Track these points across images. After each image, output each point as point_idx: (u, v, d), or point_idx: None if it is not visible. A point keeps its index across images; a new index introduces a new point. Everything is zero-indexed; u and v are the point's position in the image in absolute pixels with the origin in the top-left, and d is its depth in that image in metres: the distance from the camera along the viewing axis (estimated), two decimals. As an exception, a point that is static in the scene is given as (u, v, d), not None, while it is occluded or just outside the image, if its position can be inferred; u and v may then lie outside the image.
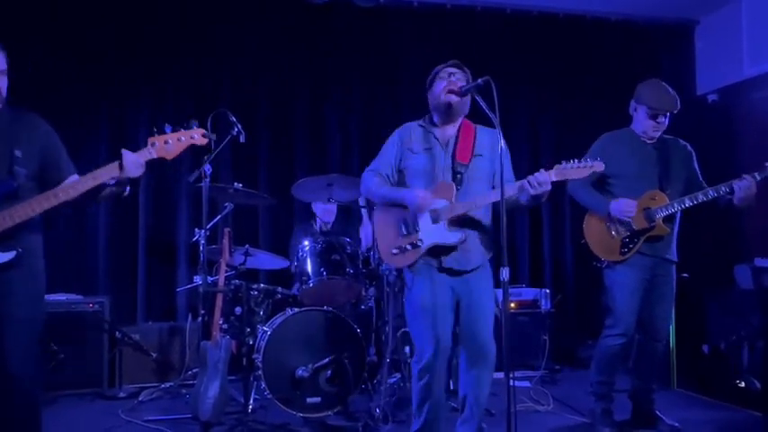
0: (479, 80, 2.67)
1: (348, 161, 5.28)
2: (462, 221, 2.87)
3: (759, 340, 4.17)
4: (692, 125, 4.71)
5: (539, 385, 4.54)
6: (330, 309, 3.83)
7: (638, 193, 3.45)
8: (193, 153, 4.40)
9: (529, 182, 2.65)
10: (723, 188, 3.22)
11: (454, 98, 2.88)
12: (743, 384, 4.17)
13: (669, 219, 3.41)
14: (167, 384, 4.39)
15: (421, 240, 2.83)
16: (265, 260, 4.27)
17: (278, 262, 4.32)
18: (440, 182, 2.89)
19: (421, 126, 3.04)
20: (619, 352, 3.46)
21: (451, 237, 2.81)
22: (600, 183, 3.56)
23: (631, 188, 3.45)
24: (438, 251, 2.85)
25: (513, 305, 5.01)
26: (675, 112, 3.40)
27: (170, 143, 2.47)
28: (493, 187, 2.93)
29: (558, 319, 5.25)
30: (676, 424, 3.53)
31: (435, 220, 2.85)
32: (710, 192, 3.27)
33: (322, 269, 3.86)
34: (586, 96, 5.70)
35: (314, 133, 5.36)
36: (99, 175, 2.42)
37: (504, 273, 2.45)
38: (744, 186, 3.16)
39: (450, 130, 3.01)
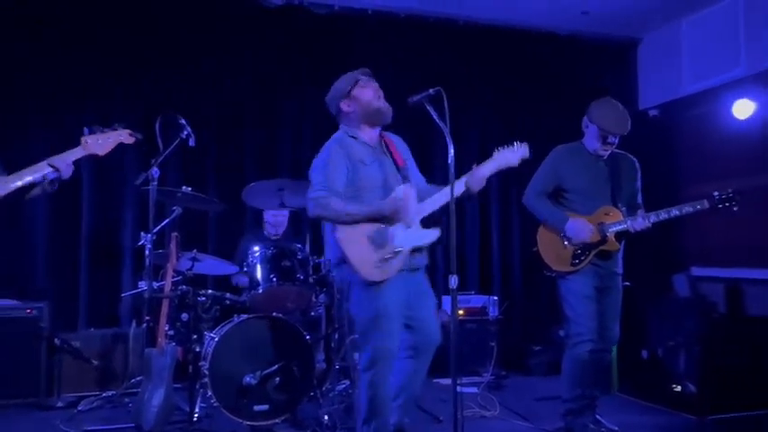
0: (431, 90, 2.65)
1: (299, 166, 5.14)
2: (424, 220, 2.91)
3: (694, 346, 4.27)
4: (633, 138, 4.57)
5: (486, 391, 4.54)
6: (279, 315, 3.78)
7: (591, 209, 3.48)
8: (141, 156, 4.54)
9: (469, 179, 2.78)
10: (686, 208, 3.25)
11: (385, 104, 2.91)
12: (679, 388, 4.26)
13: (620, 235, 3.44)
14: (109, 393, 4.24)
15: (400, 246, 2.80)
16: (214, 266, 4.20)
17: (227, 268, 4.25)
18: (401, 187, 2.85)
19: (352, 138, 2.96)
20: (589, 359, 3.44)
21: (429, 235, 2.86)
22: (556, 196, 3.59)
23: (585, 203, 3.49)
24: (413, 251, 2.86)
25: (461, 312, 5.02)
26: (626, 134, 3.43)
27: (99, 141, 2.66)
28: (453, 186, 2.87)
29: (506, 326, 5.28)
30: (616, 428, 3.57)
31: (408, 225, 2.83)
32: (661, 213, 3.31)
33: (272, 275, 3.81)
34: (535, 109, 5.74)
35: (266, 138, 5.30)
36: (24, 174, 2.50)
37: (453, 280, 2.45)
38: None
39: (376, 137, 3.00)
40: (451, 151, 2.56)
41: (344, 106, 2.96)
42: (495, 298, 5.23)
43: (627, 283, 3.69)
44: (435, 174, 4.96)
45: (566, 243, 3.48)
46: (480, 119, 5.78)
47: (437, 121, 2.59)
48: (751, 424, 3.90)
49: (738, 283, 5.15)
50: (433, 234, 2.89)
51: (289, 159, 5.29)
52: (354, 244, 2.78)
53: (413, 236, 2.86)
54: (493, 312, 5.14)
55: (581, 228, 3.42)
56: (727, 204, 3.22)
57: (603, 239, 3.42)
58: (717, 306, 5.02)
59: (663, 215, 3.30)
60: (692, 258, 5.63)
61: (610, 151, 3.52)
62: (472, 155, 5.50)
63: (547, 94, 5.71)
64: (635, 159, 3.64)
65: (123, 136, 2.70)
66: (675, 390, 4.26)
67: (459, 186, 2.85)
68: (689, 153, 5.67)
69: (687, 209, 3.25)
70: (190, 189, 3.87)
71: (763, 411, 3.96)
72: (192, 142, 3.73)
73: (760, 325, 4.66)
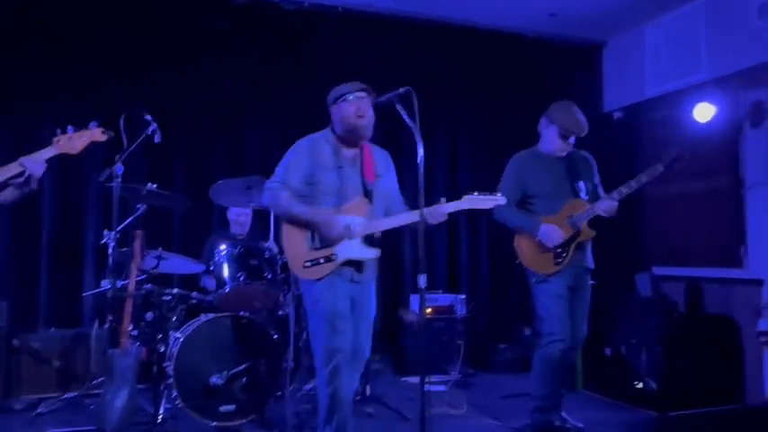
0: (401, 90, 2.66)
1: (268, 165, 4.89)
2: (372, 237, 2.95)
3: (655, 344, 4.32)
4: (598, 140, 4.67)
5: (454, 389, 4.57)
6: (246, 314, 3.75)
7: (557, 209, 3.55)
8: (104, 153, 4.29)
9: (430, 213, 2.76)
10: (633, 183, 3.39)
11: (363, 123, 2.94)
12: (641, 385, 4.32)
13: (592, 223, 3.52)
14: (70, 395, 4.14)
15: (335, 255, 2.86)
16: (180, 264, 4.12)
17: (193, 266, 4.17)
18: (354, 198, 2.93)
19: (327, 142, 3.03)
20: (560, 358, 3.49)
21: (368, 252, 2.90)
22: (522, 203, 3.64)
23: (550, 205, 3.56)
24: (350, 263, 2.90)
25: (429, 311, 5.05)
26: (583, 135, 3.54)
27: (73, 140, 2.69)
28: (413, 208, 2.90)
29: (473, 325, 5.32)
30: (581, 425, 3.62)
31: (350, 236, 2.86)
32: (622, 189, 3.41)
33: (239, 274, 3.77)
34: (504, 109, 5.76)
35: (234, 135, 5.24)
36: None
37: (422, 280, 2.47)
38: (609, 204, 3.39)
39: (355, 148, 3.05)
40: (421, 152, 2.55)
41: (332, 110, 3.05)
42: (463, 296, 5.25)
43: (592, 282, 3.76)
44: (404, 174, 4.82)
45: (544, 247, 3.50)
46: (450, 119, 5.76)
47: (407, 120, 2.59)
48: (711, 420, 3.98)
49: (698, 282, 5.22)
50: (371, 253, 2.92)
51: (257, 158, 5.21)
52: (293, 239, 2.90)
53: (351, 248, 2.89)
54: (460, 311, 5.16)
55: (550, 232, 3.47)
56: (675, 164, 3.36)
57: (578, 231, 3.49)
58: (677, 305, 5.06)
59: (624, 190, 3.40)
60: (654, 258, 5.69)
61: (567, 151, 3.60)
62: (441, 155, 5.67)
63: (516, 96, 5.71)
64: (589, 156, 3.74)
65: (96, 134, 2.74)
66: (637, 387, 4.31)
67: (416, 216, 2.82)
68: (651, 155, 5.57)
69: (644, 178, 3.37)
70: (155, 186, 3.81)
71: (722, 408, 4.05)
72: (157, 139, 3.70)
73: (718, 323, 4.73)
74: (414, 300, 5.12)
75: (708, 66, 4.97)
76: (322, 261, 2.84)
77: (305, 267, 2.86)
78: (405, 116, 2.62)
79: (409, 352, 4.99)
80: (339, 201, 2.93)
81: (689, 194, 5.44)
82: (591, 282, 3.67)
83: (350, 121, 2.95)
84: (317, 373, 2.89)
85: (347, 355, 2.86)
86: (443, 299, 5.22)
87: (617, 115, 5.87)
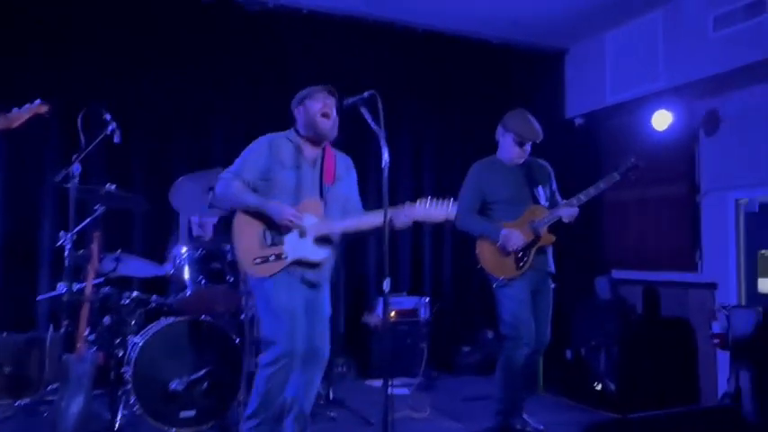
0: (365, 93, 2.65)
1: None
2: (325, 238, 2.94)
3: (614, 346, 4.38)
4: (560, 145, 5.03)
5: (417, 392, 4.54)
6: (207, 318, 3.69)
7: (517, 214, 3.60)
8: (61, 152, 4.33)
9: (399, 219, 2.73)
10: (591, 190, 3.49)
11: (328, 124, 2.96)
12: (600, 387, 4.40)
13: (552, 228, 3.59)
14: (23, 402, 4.02)
15: (286, 253, 2.84)
16: (139, 267, 4.04)
17: (153, 269, 4.09)
18: (310, 198, 2.94)
19: (290, 141, 3.04)
20: (523, 363, 3.53)
21: (319, 253, 2.89)
22: (483, 210, 3.68)
23: (510, 211, 3.61)
24: (300, 263, 2.89)
25: (392, 314, 5.06)
26: (539, 141, 3.61)
27: (12, 114, 2.77)
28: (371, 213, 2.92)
29: (437, 328, 5.31)
30: (541, 427, 3.65)
31: (302, 235, 2.86)
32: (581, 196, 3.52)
33: (200, 277, 3.76)
34: (469, 114, 5.74)
35: (197, 136, 5.13)
36: None
37: (386, 283, 2.47)
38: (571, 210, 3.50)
39: (317, 149, 3.05)
40: (386, 156, 2.53)
41: (296, 112, 3.05)
42: (427, 299, 5.26)
43: (554, 286, 3.78)
44: (369, 178, 4.92)
45: (505, 251, 3.53)
46: (415, 123, 5.73)
47: (372, 124, 2.58)
48: (672, 422, 3.85)
49: (655, 286, 5.28)
50: (321, 253, 2.90)
51: (221, 159, 4.83)
52: (244, 235, 2.89)
53: (302, 247, 2.88)
54: (424, 314, 5.18)
55: (510, 236, 3.51)
56: (631, 173, 3.51)
57: (538, 236, 3.54)
58: (635, 308, 5.10)
59: (582, 197, 3.51)
60: (612, 262, 5.77)
61: (524, 158, 3.66)
62: (406, 159, 5.66)
63: (481, 100, 5.69)
64: (547, 164, 3.81)
65: (36, 108, 2.81)
66: (597, 388, 4.38)
67: (373, 218, 2.83)
68: (610, 161, 5.49)
69: (602, 185, 3.50)
70: (114, 187, 3.72)
71: (680, 409, 4.08)
72: (117, 139, 3.62)
73: (674, 325, 4.82)
74: (378, 303, 5.09)
75: (666, 74, 5.03)
76: (272, 258, 2.82)
77: (254, 264, 2.84)
78: (369, 120, 2.61)
79: (373, 355, 4.98)
80: (294, 200, 2.92)
81: (647, 200, 5.50)
82: (552, 285, 3.70)
83: (315, 119, 2.96)
84: (258, 365, 2.87)
85: (296, 357, 2.85)
86: (407, 302, 5.21)
87: (578, 121, 5.92)
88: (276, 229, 2.88)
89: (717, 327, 4.40)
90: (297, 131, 3.05)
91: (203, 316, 3.71)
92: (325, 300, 3.04)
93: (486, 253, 3.60)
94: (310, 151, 3.02)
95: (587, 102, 5.82)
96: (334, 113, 2.98)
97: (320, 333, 2.96)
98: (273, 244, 2.86)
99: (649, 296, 5.28)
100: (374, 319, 5.04)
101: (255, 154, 2.97)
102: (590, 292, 5.29)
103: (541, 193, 3.68)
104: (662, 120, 5.10)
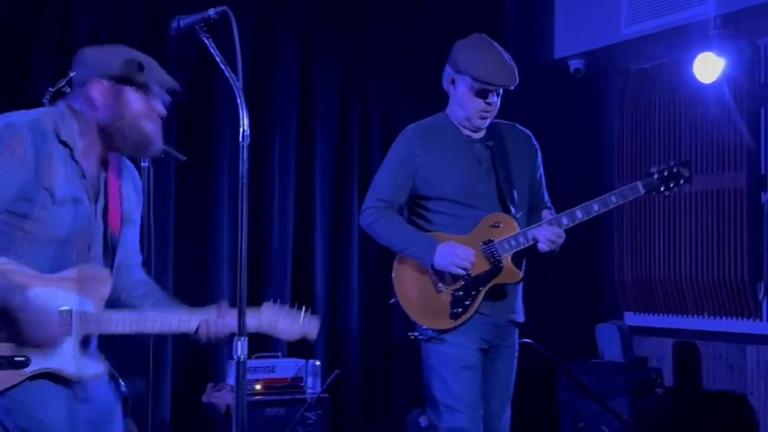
0: (210, 11, 2.42)
1: None
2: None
3: None
4: (543, 104, 5.01)
5: None
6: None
7: (470, 222, 3.37)
8: None
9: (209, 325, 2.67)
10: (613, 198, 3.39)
11: (153, 129, 2.67)
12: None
13: (520, 257, 3.38)
14: None
15: (27, 359, 2.66)
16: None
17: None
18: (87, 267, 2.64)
19: (61, 143, 2.60)
20: None
21: (92, 367, 2.81)
22: (412, 206, 3.45)
23: (460, 214, 3.39)
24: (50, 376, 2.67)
25: (258, 387, 4.85)
26: (513, 88, 3.33)
27: None
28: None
29: (335, 409, 5.03)
30: None
31: (60, 342, 2.68)
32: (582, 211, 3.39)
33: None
34: (391, 53, 5.64)
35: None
36: None
37: (241, 345, 2.32)
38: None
39: (96, 158, 2.71)
40: (245, 121, 2.30)
41: (94, 91, 2.59)
42: (318, 363, 4.98)
43: (527, 341, 3.86)
44: (221, 154, 4.92)
45: (439, 285, 3.34)
46: (302, 68, 5.35)
47: (221, 65, 2.37)
48: None
49: (692, 340, 5.37)
50: (92, 369, 2.79)
51: None
52: None
53: (62, 355, 2.69)
54: (313, 386, 4.92)
55: (453, 250, 3.29)
56: (670, 187, 3.35)
57: (496, 267, 3.34)
58: (661, 374, 5.12)
59: (579, 214, 3.32)
60: (625, 300, 5.68)
61: (489, 120, 3.40)
62: (287, 129, 5.32)
63: (409, 34, 5.52)
64: (530, 134, 3.57)
65: None
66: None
67: (192, 324, 2.72)
68: (626, 135, 5.69)
69: (614, 200, 3.36)
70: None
71: None
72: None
73: (724, 404, 5.09)
74: (230, 369, 4.83)
75: None
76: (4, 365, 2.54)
77: None
78: (218, 57, 2.42)
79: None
80: (59, 255, 2.62)
81: (681, 200, 5.51)
82: (525, 340, 3.69)
83: (139, 122, 2.67)
84: None
85: None
86: (284, 366, 4.98)
87: (575, 65, 5.54)
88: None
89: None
90: (71, 123, 2.73)
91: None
92: (116, 416, 2.82)
93: (407, 280, 3.42)
94: (91, 164, 2.78)
95: (590, 35, 5.41)
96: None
97: None
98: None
99: (684, 356, 5.26)
100: (223, 396, 4.84)
101: (6, 166, 2.59)
102: (587, 348, 5.28)
103: (517, 187, 3.42)
104: (708, 68, 4.86)
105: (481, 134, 3.49)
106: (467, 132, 3.48)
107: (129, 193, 2.88)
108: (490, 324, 3.45)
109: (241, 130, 2.40)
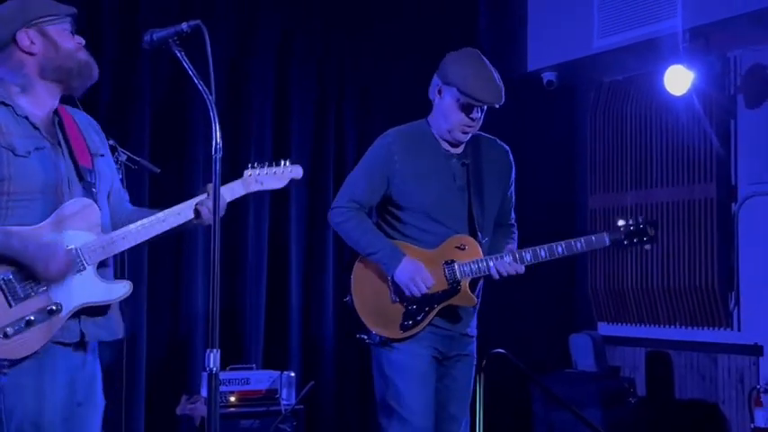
0: (183, 25, 2.46)
1: None
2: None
3: None
4: (517, 115, 4.98)
5: None
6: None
7: (438, 238, 3.41)
8: None
9: (203, 204, 2.79)
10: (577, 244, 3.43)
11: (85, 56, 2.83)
12: None
13: (477, 282, 3.45)
14: None
15: (59, 304, 2.77)
16: None
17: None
18: (78, 202, 2.77)
19: (2, 104, 2.74)
20: None
21: (116, 290, 2.93)
22: (382, 212, 3.47)
23: (427, 228, 3.43)
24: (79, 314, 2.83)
25: (232, 399, 4.86)
26: (497, 106, 3.37)
27: None
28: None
29: (310, 419, 5.08)
30: None
31: (79, 268, 2.74)
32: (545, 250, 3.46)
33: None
34: (375, 63, 5.68)
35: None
36: None
37: (213, 357, 2.33)
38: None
39: (49, 109, 2.86)
40: (217, 134, 2.32)
41: (23, 41, 2.73)
42: (292, 374, 4.96)
43: (501, 351, 3.94)
44: (195, 166, 4.93)
45: (393, 296, 3.42)
46: (278, 75, 5.39)
47: (194, 78, 2.42)
48: None
49: (664, 349, 5.38)
50: (120, 289, 2.79)
51: None
52: None
53: (85, 287, 2.70)
54: (288, 398, 4.91)
55: (415, 272, 3.35)
56: (635, 240, 3.41)
57: (453, 289, 3.37)
58: (634, 384, 5.17)
59: (542, 253, 3.36)
60: (598, 311, 5.67)
61: (469, 136, 3.44)
62: (263, 137, 5.36)
63: (383, 44, 5.64)
64: (508, 150, 3.60)
65: None
66: None
67: (188, 212, 2.81)
68: (599, 149, 5.68)
69: (578, 246, 3.40)
70: None
71: None
72: None
73: (695, 413, 5.15)
74: (203, 380, 4.76)
75: (687, 8, 4.85)
76: (31, 319, 2.67)
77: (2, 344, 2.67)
78: (190, 70, 2.47)
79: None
80: (48, 203, 2.71)
81: (653, 210, 5.52)
82: (499, 351, 3.87)
83: (73, 53, 2.79)
84: None
85: None
86: (258, 379, 4.98)
87: (548, 77, 5.59)
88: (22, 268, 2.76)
89: (762, 417, 4.61)
90: (10, 83, 2.89)
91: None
92: (96, 378, 2.89)
93: (365, 283, 3.45)
94: (44, 116, 2.95)
95: (563, 47, 5.47)
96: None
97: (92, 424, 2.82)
98: (26, 296, 2.82)
99: (656, 365, 5.32)
100: (195, 407, 4.83)
101: None
102: (561, 358, 5.35)
103: (487, 210, 3.48)
104: (679, 80, 4.89)
105: (459, 149, 3.52)
106: (445, 146, 3.52)
107: (90, 133, 2.97)
108: (442, 335, 3.50)
109: (214, 143, 2.41)
